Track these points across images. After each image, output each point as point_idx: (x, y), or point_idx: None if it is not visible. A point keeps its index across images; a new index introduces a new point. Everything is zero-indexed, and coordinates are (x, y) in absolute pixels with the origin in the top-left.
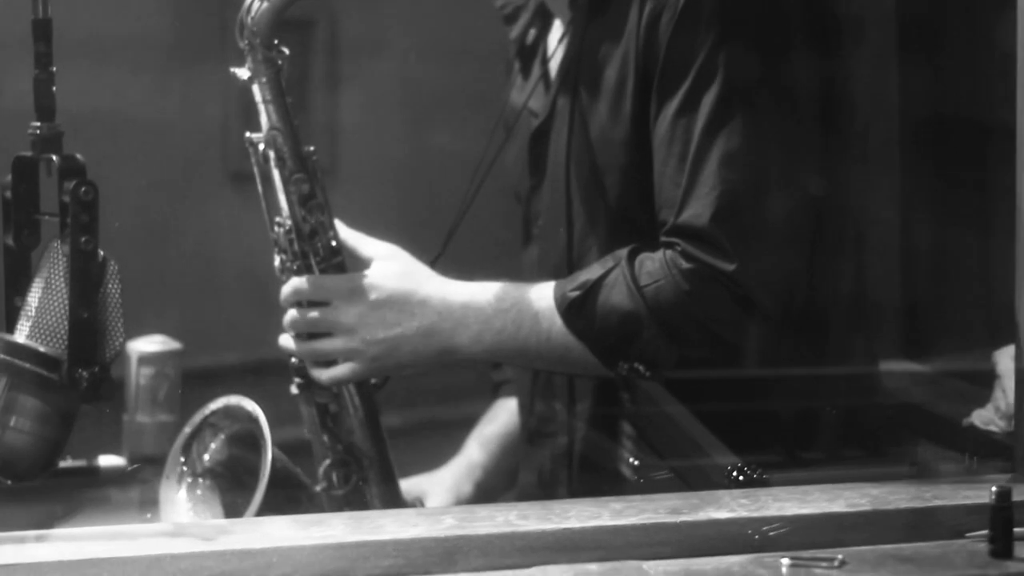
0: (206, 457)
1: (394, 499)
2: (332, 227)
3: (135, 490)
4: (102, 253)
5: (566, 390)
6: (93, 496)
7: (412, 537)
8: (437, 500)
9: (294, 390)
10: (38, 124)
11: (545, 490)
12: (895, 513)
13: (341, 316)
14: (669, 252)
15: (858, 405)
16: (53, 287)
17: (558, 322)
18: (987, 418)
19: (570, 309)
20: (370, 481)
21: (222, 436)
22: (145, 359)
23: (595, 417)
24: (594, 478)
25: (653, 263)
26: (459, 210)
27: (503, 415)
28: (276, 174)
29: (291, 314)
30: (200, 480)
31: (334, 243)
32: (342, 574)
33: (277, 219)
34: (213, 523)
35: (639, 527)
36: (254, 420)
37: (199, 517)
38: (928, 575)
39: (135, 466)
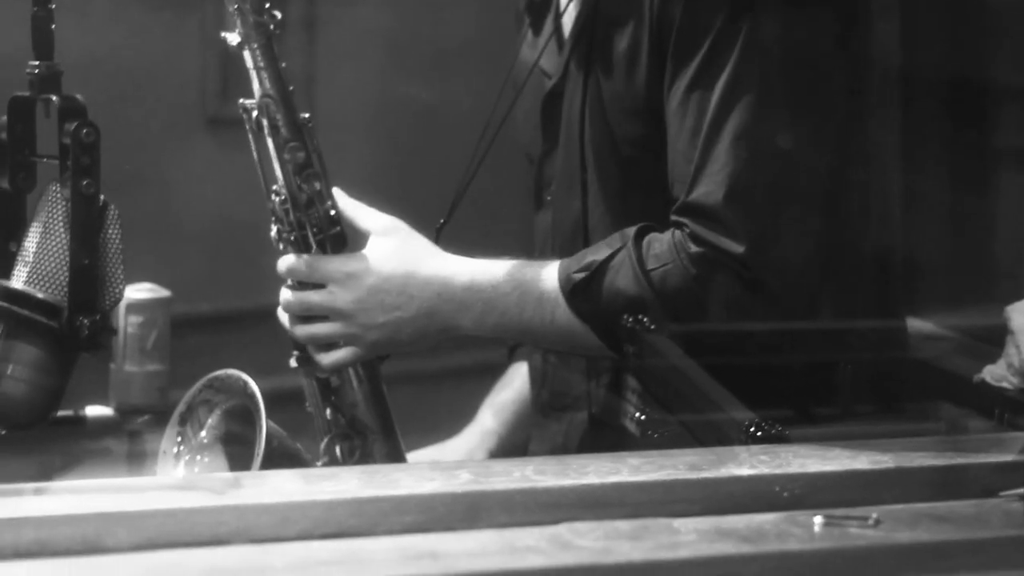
0: (202, 433)
1: None
2: (330, 196)
3: (126, 441)
4: (102, 197)
5: (581, 360)
6: (84, 448)
7: (430, 492)
8: None
9: (293, 363)
10: (36, 63)
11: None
12: (922, 471)
13: (338, 301)
14: (678, 234)
15: (870, 360)
16: (52, 232)
17: (562, 304)
18: (999, 375)
19: (574, 292)
20: (375, 455)
21: (218, 411)
22: (133, 307)
23: (611, 387)
24: (606, 439)
25: (661, 245)
26: (466, 174)
27: (518, 381)
28: (270, 143)
29: (286, 294)
30: (198, 457)
31: (332, 213)
32: (362, 530)
33: (273, 188)
34: (222, 477)
35: (662, 483)
36: (249, 395)
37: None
38: (966, 535)
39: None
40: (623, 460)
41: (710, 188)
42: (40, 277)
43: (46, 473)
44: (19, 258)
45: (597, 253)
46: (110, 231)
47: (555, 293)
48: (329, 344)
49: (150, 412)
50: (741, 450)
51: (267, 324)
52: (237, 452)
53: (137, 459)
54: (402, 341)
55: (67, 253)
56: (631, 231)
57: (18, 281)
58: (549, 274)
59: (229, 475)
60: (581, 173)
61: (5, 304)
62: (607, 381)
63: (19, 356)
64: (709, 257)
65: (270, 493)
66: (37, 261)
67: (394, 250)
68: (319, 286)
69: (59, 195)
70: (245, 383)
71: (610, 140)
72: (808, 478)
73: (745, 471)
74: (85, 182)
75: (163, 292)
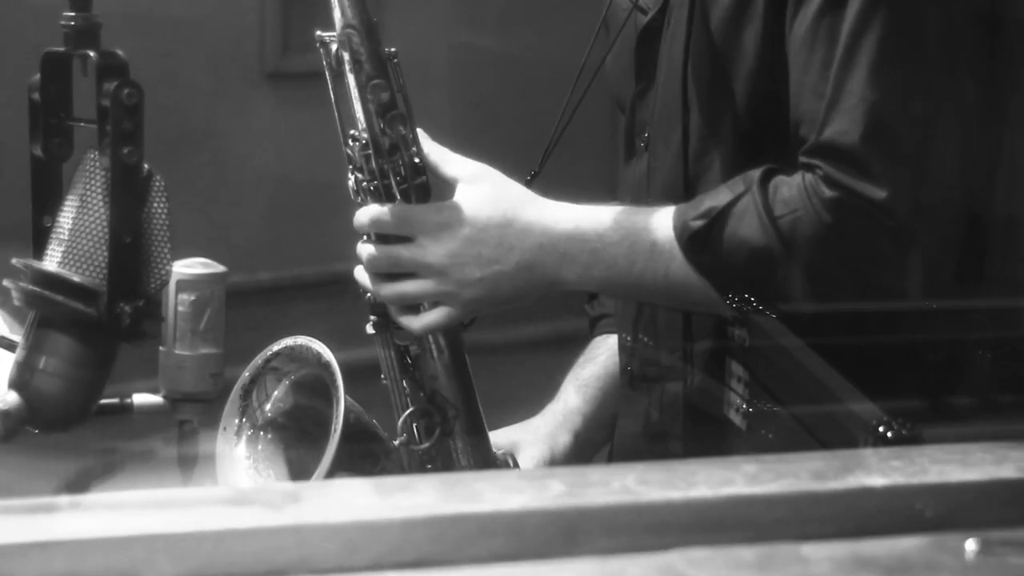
0: (268, 407)
1: (483, 454)
2: (415, 142)
3: (175, 432)
4: (146, 166)
5: (677, 327)
6: (131, 448)
7: (519, 509)
8: (531, 452)
9: (370, 330)
10: (72, 15)
11: (649, 441)
12: None
13: (430, 255)
14: (809, 177)
15: (1012, 343)
16: (90, 206)
17: (678, 256)
18: None
19: (692, 241)
20: (456, 433)
21: (286, 383)
22: (184, 284)
23: (708, 358)
24: (706, 428)
25: (790, 189)
26: (558, 121)
27: (603, 355)
28: (351, 80)
29: (368, 249)
30: (261, 433)
31: (417, 160)
32: (442, 558)
33: (352, 132)
34: (280, 488)
35: (785, 498)
36: (324, 365)
37: (261, 475)
38: None
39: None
40: (736, 467)
41: (845, 126)
42: (76, 257)
43: (93, 480)
44: (53, 235)
45: (717, 198)
46: (155, 204)
47: (670, 243)
48: (415, 306)
49: (203, 400)
50: (869, 454)
51: (330, 293)
52: (306, 428)
53: (187, 451)
54: (500, 299)
55: (106, 230)
56: (755, 174)
57: (52, 262)
58: (662, 221)
59: (288, 487)
60: (683, 115)
61: (37, 289)
62: (706, 357)
63: (53, 347)
64: (845, 203)
65: (336, 510)
66: (73, 239)
67: (488, 197)
68: (405, 239)
69: (97, 164)
70: (319, 353)
71: (718, 78)
72: (950, 490)
73: (878, 481)
74: (127, 149)
75: (217, 267)
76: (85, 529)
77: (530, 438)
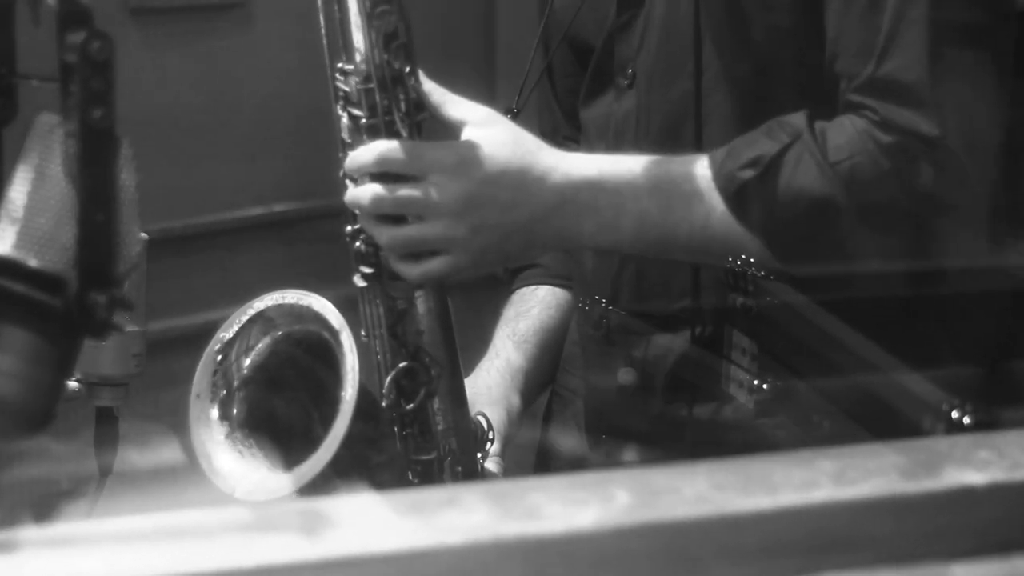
0: (246, 363)
1: (462, 415)
2: (416, 76)
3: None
4: None
5: (666, 287)
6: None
7: (592, 528)
8: (489, 415)
9: (360, 282)
10: None
11: (625, 399)
12: None
13: (443, 195)
14: (860, 121)
15: None
16: (48, 178)
17: (720, 208)
18: None
19: (740, 193)
20: (438, 394)
21: (268, 340)
22: None
23: (701, 315)
24: (696, 390)
25: (841, 134)
26: (533, 53)
27: (535, 308)
28: (353, 5)
29: (373, 189)
30: (238, 394)
31: (414, 96)
32: None
33: (343, 65)
34: (307, 507)
35: (884, 502)
36: (321, 320)
37: (241, 444)
38: None
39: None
40: (812, 464)
41: (907, 60)
42: (33, 239)
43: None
44: (2, 213)
45: (760, 146)
46: (123, 175)
47: (710, 194)
48: (415, 255)
49: (123, 383)
50: (944, 443)
51: (214, 245)
52: (291, 388)
53: (109, 445)
54: (509, 251)
55: (68, 206)
56: (798, 119)
57: (3, 243)
58: (698, 171)
59: (316, 503)
60: (694, 49)
61: None
62: (702, 321)
63: (7, 344)
64: (905, 147)
65: (375, 536)
66: (29, 217)
67: (505, 140)
68: (412, 180)
69: (55, 129)
70: (311, 305)
71: (736, 6)
72: None
73: (975, 478)
74: (97, 112)
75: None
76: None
77: (483, 399)
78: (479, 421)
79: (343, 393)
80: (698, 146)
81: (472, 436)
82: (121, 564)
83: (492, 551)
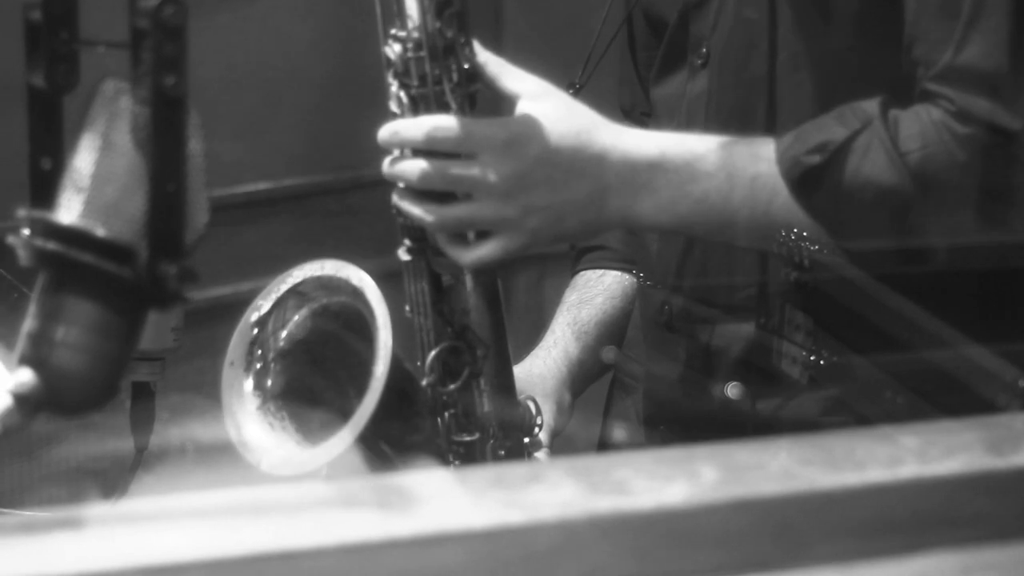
0: (282, 335)
1: (509, 397)
2: (469, 45)
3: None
4: None
5: (730, 268)
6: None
7: (681, 504)
8: (541, 408)
9: (404, 256)
10: None
11: (686, 385)
12: None
13: (494, 174)
14: (935, 111)
15: None
16: (115, 147)
17: (783, 193)
18: None
19: (805, 178)
20: (484, 375)
21: (305, 311)
22: None
23: (766, 303)
24: (757, 374)
25: (915, 123)
26: (600, 28)
27: (600, 296)
28: None
29: (419, 165)
30: (273, 365)
31: (467, 66)
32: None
33: (396, 32)
34: (384, 483)
35: (977, 478)
36: (357, 293)
37: (273, 416)
38: None
39: None
40: (893, 441)
41: (988, 47)
42: (100, 209)
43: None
44: (68, 182)
45: (828, 131)
46: (192, 143)
47: (774, 179)
48: (463, 234)
49: (160, 358)
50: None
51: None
52: (326, 360)
53: (146, 420)
54: (563, 232)
55: (136, 176)
56: (871, 106)
57: (69, 213)
58: (762, 153)
59: (397, 483)
60: (769, 29)
61: (57, 246)
62: (761, 302)
63: (73, 315)
64: (981, 139)
65: (461, 512)
66: (96, 186)
67: (560, 116)
68: (461, 156)
69: (120, 95)
70: (349, 277)
71: None
72: None
73: None
74: (171, 80)
75: None
76: (126, 553)
77: (537, 390)
78: (528, 405)
79: (374, 369)
80: (770, 131)
81: (519, 420)
82: (200, 541)
83: (584, 527)
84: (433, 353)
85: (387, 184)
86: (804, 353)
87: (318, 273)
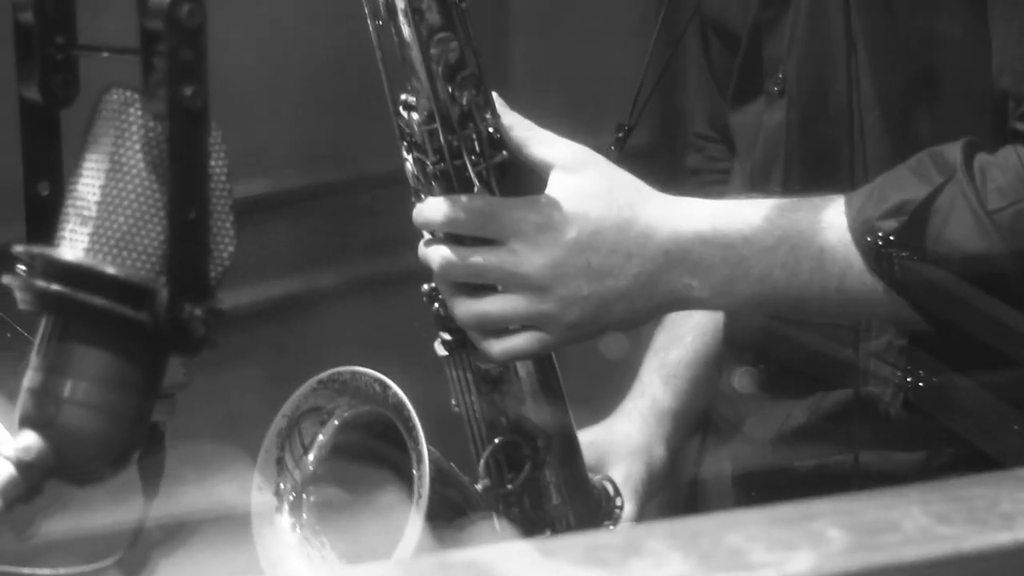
0: (310, 459)
1: (580, 485)
2: (490, 108)
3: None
4: None
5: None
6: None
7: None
8: (625, 469)
9: (441, 351)
10: None
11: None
12: None
13: (525, 265)
14: None
15: None
16: (124, 167)
17: (857, 265)
18: None
19: (881, 248)
20: (548, 465)
21: (333, 424)
22: None
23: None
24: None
25: (1004, 173)
26: (648, 60)
27: (689, 335)
28: (409, 33)
29: (442, 252)
30: (305, 496)
31: (491, 131)
32: None
33: (406, 98)
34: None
35: None
36: (392, 403)
37: (314, 547)
38: None
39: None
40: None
41: None
42: (110, 241)
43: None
44: (70, 210)
45: (908, 189)
46: (213, 163)
47: (844, 248)
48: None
49: (170, 395)
50: None
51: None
52: (362, 480)
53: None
54: (608, 322)
55: (151, 201)
56: (953, 153)
57: (74, 248)
58: (831, 219)
59: (464, 557)
60: (847, 55)
61: (60, 288)
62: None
63: (82, 367)
64: None
65: None
66: (103, 215)
67: (598, 190)
68: (490, 242)
69: (129, 107)
70: (384, 386)
71: (896, 6)
72: None
73: None
74: (189, 89)
75: None
76: None
77: (622, 450)
78: (604, 487)
79: (417, 489)
80: (852, 171)
81: (594, 506)
82: None
83: None
84: (487, 452)
85: (387, 185)
86: (900, 374)
87: (336, 380)
